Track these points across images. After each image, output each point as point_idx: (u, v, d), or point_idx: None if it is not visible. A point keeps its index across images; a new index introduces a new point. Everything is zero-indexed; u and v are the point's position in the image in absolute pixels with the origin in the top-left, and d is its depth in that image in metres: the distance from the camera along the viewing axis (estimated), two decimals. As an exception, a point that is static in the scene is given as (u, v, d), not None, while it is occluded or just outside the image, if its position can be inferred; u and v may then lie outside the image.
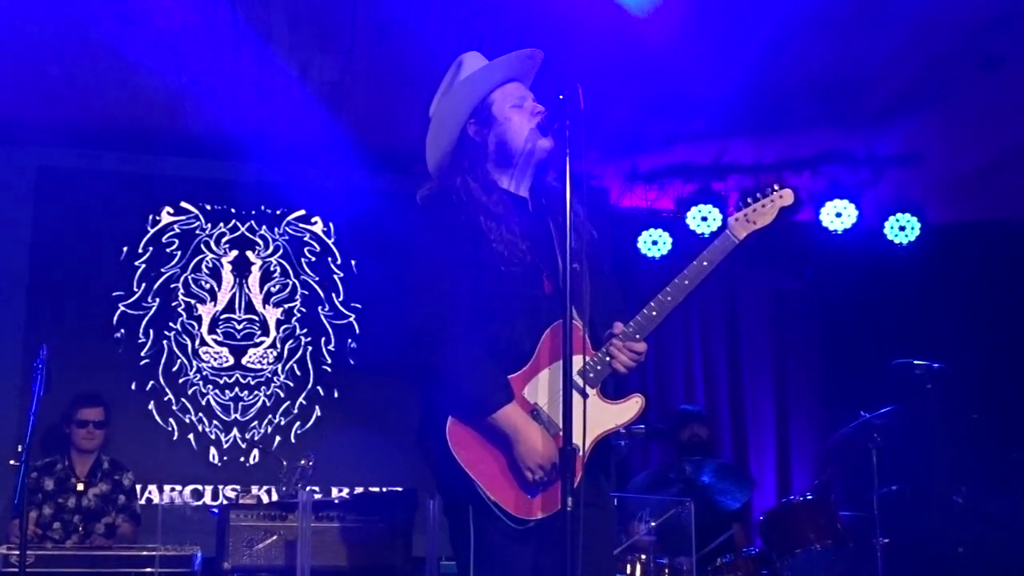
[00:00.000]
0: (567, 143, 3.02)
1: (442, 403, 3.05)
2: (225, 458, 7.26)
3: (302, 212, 7.62)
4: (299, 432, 7.37)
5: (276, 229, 7.56)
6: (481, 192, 3.19)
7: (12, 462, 5.00)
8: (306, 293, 7.54)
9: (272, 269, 7.51)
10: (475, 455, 3.01)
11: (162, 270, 7.34)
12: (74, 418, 6.29)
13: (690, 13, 5.65)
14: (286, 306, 7.49)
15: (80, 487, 6.23)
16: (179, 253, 7.38)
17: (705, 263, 3.17)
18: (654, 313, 3.13)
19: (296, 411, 7.40)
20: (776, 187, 3.30)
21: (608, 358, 3.12)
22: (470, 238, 3.13)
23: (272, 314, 7.46)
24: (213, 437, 7.25)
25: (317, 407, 7.44)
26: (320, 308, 7.55)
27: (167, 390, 7.23)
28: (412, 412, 3.26)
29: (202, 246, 7.43)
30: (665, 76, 6.33)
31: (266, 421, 7.34)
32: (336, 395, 7.48)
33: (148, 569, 5.50)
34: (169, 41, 5.86)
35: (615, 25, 5.67)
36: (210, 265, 7.42)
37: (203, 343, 7.33)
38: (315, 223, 7.64)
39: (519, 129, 3.24)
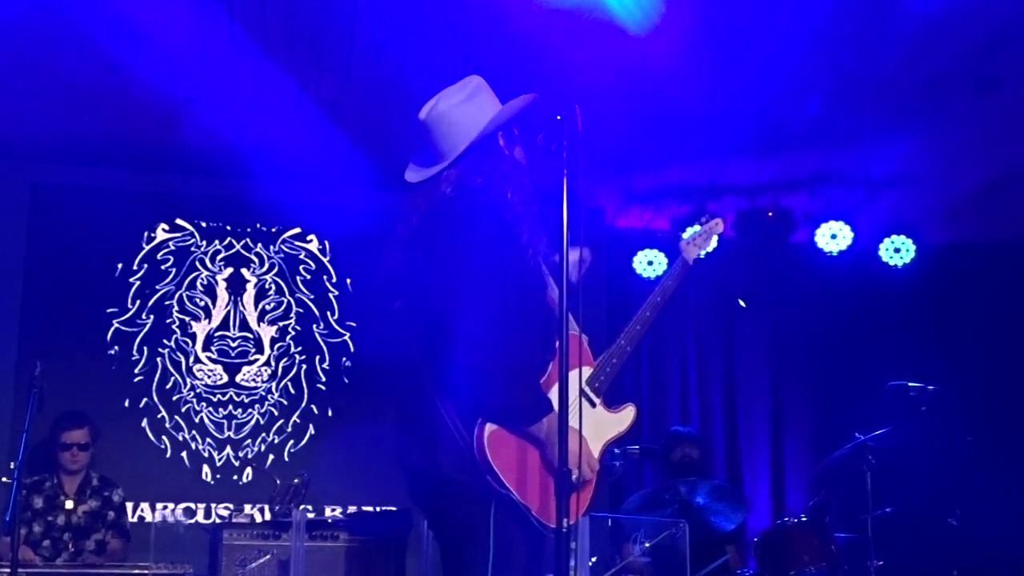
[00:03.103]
0: (564, 163, 3.02)
1: (471, 410, 3.03)
2: (218, 476, 7.23)
3: (298, 230, 7.62)
4: (292, 450, 7.35)
5: (271, 247, 7.55)
6: (501, 202, 3.21)
7: (4, 479, 4.95)
8: (301, 311, 7.53)
9: (267, 287, 7.50)
10: (507, 462, 3.02)
11: (157, 287, 7.32)
12: (58, 440, 6.23)
13: (687, 34, 5.66)
14: (281, 324, 7.48)
15: (69, 504, 6.19)
16: (174, 270, 7.37)
17: (670, 282, 3.58)
18: (638, 327, 3.42)
19: (290, 429, 7.38)
20: (709, 216, 3.82)
21: (608, 368, 3.27)
22: (490, 248, 3.11)
23: (267, 332, 7.44)
24: (206, 455, 7.23)
25: (311, 425, 7.42)
26: (315, 326, 7.53)
27: (160, 407, 7.21)
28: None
29: (197, 263, 7.42)
30: (661, 97, 6.33)
31: (259, 439, 7.32)
32: (330, 413, 7.46)
33: (140, 587, 5.48)
34: (166, 58, 5.86)
35: (611, 46, 5.68)
36: (205, 282, 7.41)
37: (197, 360, 7.31)
38: (311, 241, 7.63)
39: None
